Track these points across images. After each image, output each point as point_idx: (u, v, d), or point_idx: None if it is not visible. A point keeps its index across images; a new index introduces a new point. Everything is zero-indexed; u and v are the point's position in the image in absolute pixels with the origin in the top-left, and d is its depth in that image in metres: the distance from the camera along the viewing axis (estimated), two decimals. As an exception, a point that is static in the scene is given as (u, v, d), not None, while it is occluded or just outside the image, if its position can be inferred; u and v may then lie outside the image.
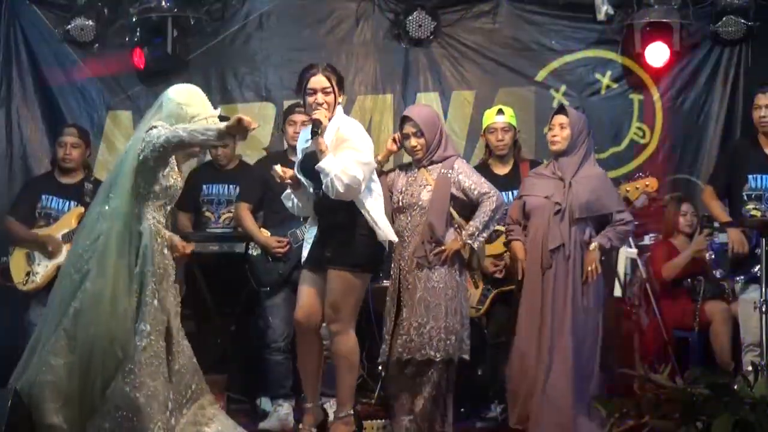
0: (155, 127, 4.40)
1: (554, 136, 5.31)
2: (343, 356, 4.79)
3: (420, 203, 5.12)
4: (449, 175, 5.14)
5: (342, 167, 4.58)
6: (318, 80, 4.74)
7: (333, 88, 4.74)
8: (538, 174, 5.45)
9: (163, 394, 4.34)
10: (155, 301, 4.38)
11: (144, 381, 4.28)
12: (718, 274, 6.10)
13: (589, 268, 5.14)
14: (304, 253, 4.91)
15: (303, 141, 4.92)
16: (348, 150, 4.65)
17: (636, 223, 6.52)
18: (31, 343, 4.51)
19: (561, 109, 5.42)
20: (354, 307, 4.80)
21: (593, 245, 5.18)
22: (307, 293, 4.82)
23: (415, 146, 5.15)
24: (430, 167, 5.17)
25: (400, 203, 5.18)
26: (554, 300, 5.13)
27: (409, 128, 5.17)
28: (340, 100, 4.82)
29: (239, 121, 4.20)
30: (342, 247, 4.71)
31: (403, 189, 5.20)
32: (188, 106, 4.48)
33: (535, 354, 5.13)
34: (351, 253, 4.71)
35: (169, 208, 4.62)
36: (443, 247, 5.05)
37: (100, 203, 4.54)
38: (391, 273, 5.23)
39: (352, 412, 4.84)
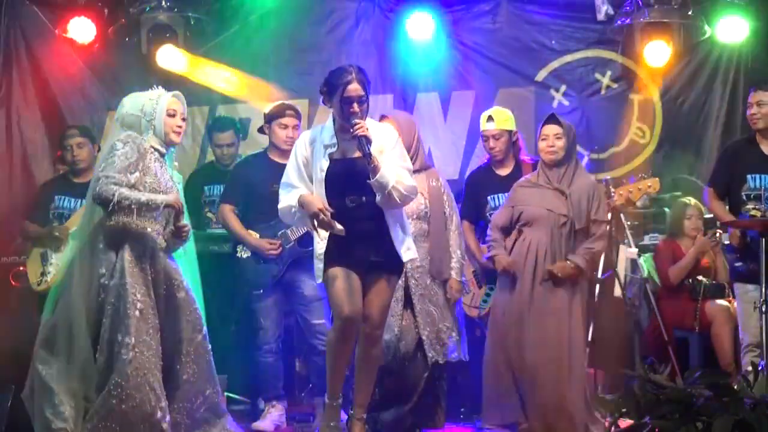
0: (104, 171, 4.51)
1: (550, 146, 5.24)
2: (378, 360, 4.79)
3: (416, 212, 5.24)
4: (440, 188, 5.37)
5: (396, 178, 4.54)
6: (355, 89, 4.54)
7: (366, 96, 4.60)
8: (531, 184, 5.35)
9: (150, 404, 4.41)
10: (136, 312, 4.44)
11: (130, 393, 4.38)
12: (731, 258, 6.07)
13: (559, 274, 5.12)
14: (326, 250, 4.66)
15: (303, 147, 4.74)
16: (394, 159, 4.61)
17: (636, 222, 6.56)
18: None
19: (553, 118, 5.32)
20: None
21: (570, 263, 5.14)
22: (356, 290, 4.61)
23: None
24: (414, 175, 5.10)
25: None
26: (544, 310, 5.12)
27: None
28: None
29: (175, 206, 4.52)
30: (391, 254, 4.65)
31: None
32: (131, 108, 4.71)
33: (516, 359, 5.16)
34: (398, 260, 4.68)
35: (162, 217, 4.65)
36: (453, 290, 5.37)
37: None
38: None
39: (365, 415, 4.80)
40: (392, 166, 4.55)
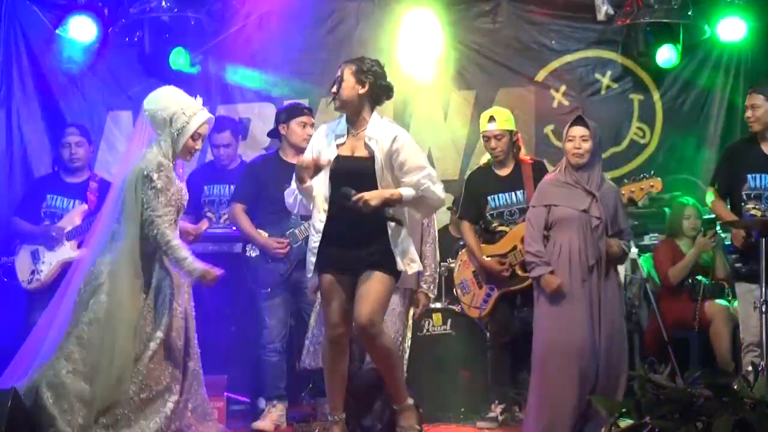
0: (153, 210, 4.54)
1: (577, 148, 5.11)
2: (386, 355, 4.66)
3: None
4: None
5: (413, 205, 4.62)
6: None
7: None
8: (558, 183, 5.21)
9: (164, 396, 4.52)
10: (173, 312, 4.58)
11: (148, 384, 4.49)
12: (732, 258, 6.07)
13: (615, 248, 5.11)
14: (320, 248, 4.64)
15: (318, 139, 4.76)
16: (409, 170, 4.57)
17: (636, 222, 6.56)
18: (35, 346, 4.66)
19: (580, 120, 5.21)
20: None
21: (618, 243, 5.13)
22: (342, 304, 4.64)
23: None
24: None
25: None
26: (599, 310, 5.04)
27: None
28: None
29: (211, 276, 4.54)
30: (386, 255, 4.61)
31: None
32: (164, 111, 4.61)
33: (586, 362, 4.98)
34: (394, 262, 4.63)
35: (179, 217, 4.72)
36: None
37: (111, 221, 4.68)
38: None
39: (410, 403, 4.75)
40: (407, 189, 4.55)
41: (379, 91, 4.66)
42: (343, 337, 4.65)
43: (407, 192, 4.54)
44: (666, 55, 6.79)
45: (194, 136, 4.66)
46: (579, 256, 5.02)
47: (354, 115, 4.66)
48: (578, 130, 5.14)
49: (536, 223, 5.14)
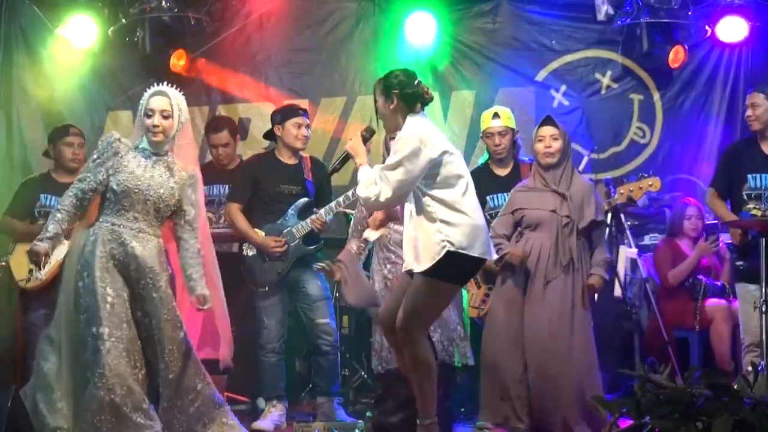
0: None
1: (548, 147, 5.25)
2: (416, 364, 4.60)
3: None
4: None
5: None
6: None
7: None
8: (529, 188, 5.38)
9: (139, 389, 4.52)
10: (107, 306, 4.53)
11: (115, 383, 4.45)
12: (732, 257, 6.06)
13: (597, 287, 5.27)
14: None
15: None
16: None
17: (636, 222, 6.56)
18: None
19: (549, 120, 5.35)
20: None
21: (596, 278, 5.24)
22: (395, 295, 4.71)
23: None
24: None
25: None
26: (557, 309, 5.15)
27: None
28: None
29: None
30: (416, 258, 4.61)
31: None
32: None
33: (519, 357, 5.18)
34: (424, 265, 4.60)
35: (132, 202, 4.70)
36: None
37: None
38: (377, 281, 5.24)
39: (435, 419, 4.64)
40: (366, 168, 4.58)
41: (408, 99, 4.60)
42: (382, 325, 4.75)
43: (365, 169, 4.52)
44: (676, 55, 6.79)
45: (147, 113, 4.71)
46: (549, 255, 5.16)
47: (397, 129, 4.62)
48: (548, 130, 5.27)
49: (496, 229, 5.33)
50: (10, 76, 7.30)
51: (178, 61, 7.07)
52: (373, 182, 4.43)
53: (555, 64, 7.15)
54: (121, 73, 7.37)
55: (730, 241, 5.98)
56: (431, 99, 4.66)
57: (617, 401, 3.78)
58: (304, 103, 7.04)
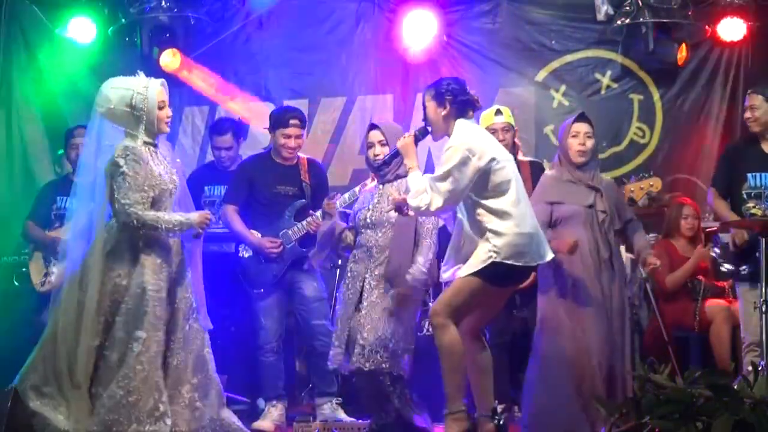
0: (122, 197, 4.56)
1: (581, 144, 5.15)
2: (446, 354, 4.60)
3: (390, 220, 5.05)
4: None
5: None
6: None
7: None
8: (560, 180, 5.21)
9: (154, 396, 4.50)
10: (153, 310, 4.55)
11: (137, 386, 4.46)
12: (724, 267, 6.07)
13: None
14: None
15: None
16: None
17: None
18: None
19: (584, 117, 5.27)
20: None
21: (653, 259, 5.15)
22: None
23: (378, 155, 5.12)
24: (395, 182, 5.11)
25: (368, 219, 5.11)
26: (611, 304, 5.06)
27: (375, 136, 5.15)
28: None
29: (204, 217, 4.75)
30: None
31: (371, 205, 5.15)
32: (120, 102, 4.73)
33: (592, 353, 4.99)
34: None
35: (168, 198, 4.73)
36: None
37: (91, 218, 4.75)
38: (350, 283, 5.13)
39: (462, 408, 4.65)
40: (417, 175, 4.65)
41: (461, 106, 4.69)
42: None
43: (415, 175, 4.56)
44: (681, 53, 6.79)
45: (159, 105, 4.69)
46: (590, 251, 5.03)
47: (445, 134, 4.67)
48: (583, 127, 5.18)
49: (541, 214, 5.02)
50: (10, 76, 7.31)
51: (171, 60, 7.06)
52: (424, 191, 4.49)
53: (555, 64, 7.15)
54: (120, 73, 7.34)
55: (727, 243, 5.96)
56: (480, 106, 4.78)
57: (617, 401, 3.79)
58: (303, 103, 7.06)
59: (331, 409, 5.66)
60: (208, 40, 7.28)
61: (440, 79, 4.77)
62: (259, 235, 5.72)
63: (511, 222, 4.50)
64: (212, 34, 7.28)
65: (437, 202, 4.47)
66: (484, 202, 4.52)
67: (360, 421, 5.45)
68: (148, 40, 7.04)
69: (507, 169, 4.58)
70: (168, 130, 4.79)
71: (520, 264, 4.51)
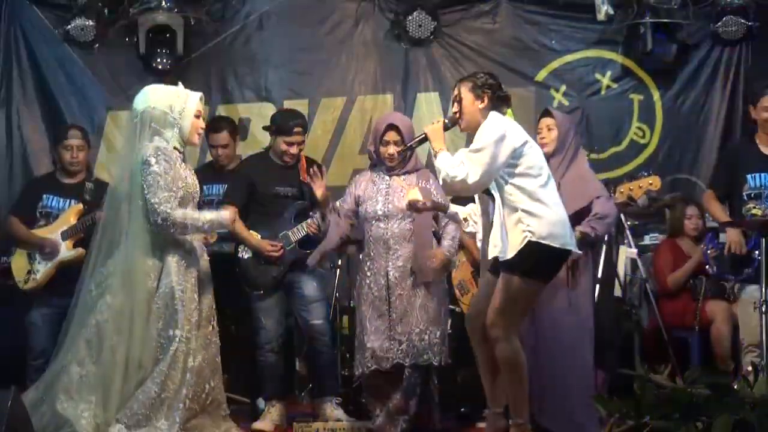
0: (152, 196, 4.59)
1: (542, 138, 5.24)
2: (503, 361, 4.57)
3: (404, 211, 5.16)
4: (428, 187, 5.26)
5: None
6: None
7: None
8: None
9: (181, 392, 4.56)
10: (184, 310, 4.62)
11: (167, 383, 4.54)
12: (714, 270, 6.07)
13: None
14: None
15: None
16: None
17: (636, 222, 6.55)
18: (55, 350, 4.80)
19: (546, 112, 5.36)
20: None
21: (576, 233, 5.02)
22: (481, 292, 4.82)
23: (393, 154, 5.24)
24: (403, 176, 5.27)
25: (381, 211, 5.22)
26: (549, 300, 5.05)
27: (392, 136, 5.25)
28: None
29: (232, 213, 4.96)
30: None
31: (381, 197, 5.24)
32: (160, 103, 4.74)
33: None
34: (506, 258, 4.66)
35: (191, 204, 4.79)
36: (437, 259, 5.22)
37: (122, 221, 4.73)
38: (372, 281, 5.24)
39: (527, 419, 4.60)
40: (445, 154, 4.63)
41: (497, 101, 4.67)
42: (469, 322, 4.76)
43: (446, 154, 4.51)
44: (676, 53, 6.80)
45: (196, 114, 4.77)
46: None
47: (477, 126, 4.62)
48: (545, 121, 5.30)
49: None
50: (10, 76, 7.30)
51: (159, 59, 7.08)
52: (461, 162, 4.45)
53: (555, 64, 7.15)
54: (120, 73, 7.36)
55: (723, 244, 5.94)
56: (510, 105, 4.79)
57: (617, 401, 3.79)
58: (303, 103, 7.05)
59: (331, 409, 5.65)
60: (208, 40, 7.27)
61: (476, 72, 4.78)
62: (259, 236, 5.71)
63: (541, 204, 4.50)
64: (212, 33, 7.27)
65: (474, 175, 4.41)
66: (515, 181, 4.52)
67: (360, 421, 5.46)
68: (148, 40, 7.03)
69: (538, 156, 4.60)
70: (197, 143, 4.91)
71: (557, 246, 4.47)
